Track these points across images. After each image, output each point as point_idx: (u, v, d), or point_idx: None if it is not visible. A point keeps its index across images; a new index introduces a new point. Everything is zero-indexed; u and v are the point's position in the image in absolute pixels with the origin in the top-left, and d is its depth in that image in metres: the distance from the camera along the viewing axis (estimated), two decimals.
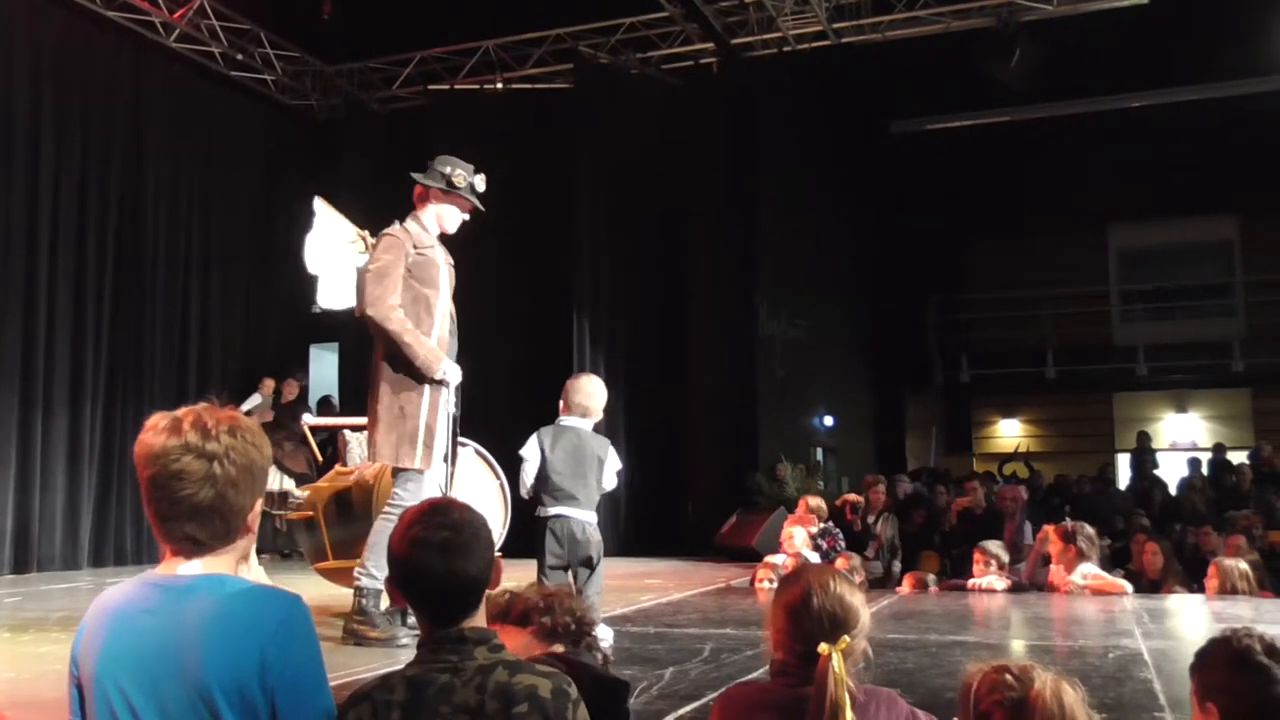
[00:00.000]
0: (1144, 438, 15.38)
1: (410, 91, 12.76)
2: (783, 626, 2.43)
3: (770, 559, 7.68)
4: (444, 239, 5.08)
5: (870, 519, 9.75)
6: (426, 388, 4.84)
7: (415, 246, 4.87)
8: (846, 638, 2.33)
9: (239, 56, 11.77)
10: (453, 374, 4.91)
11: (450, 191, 5.00)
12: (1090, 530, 6.71)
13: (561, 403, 4.93)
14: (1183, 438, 18.03)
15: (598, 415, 4.97)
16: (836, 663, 2.28)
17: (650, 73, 12.15)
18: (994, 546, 7.13)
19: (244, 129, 12.12)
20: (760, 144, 12.27)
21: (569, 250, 11.69)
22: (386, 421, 4.78)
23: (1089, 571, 6.49)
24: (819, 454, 14.15)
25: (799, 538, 7.61)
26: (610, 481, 4.89)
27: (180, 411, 2.09)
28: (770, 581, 7.05)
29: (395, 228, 4.91)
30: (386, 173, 12.50)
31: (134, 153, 10.55)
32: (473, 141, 11.91)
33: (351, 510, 5.84)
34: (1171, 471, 14.43)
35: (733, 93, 12.05)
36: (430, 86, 12.57)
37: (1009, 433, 19.17)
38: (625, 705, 2.59)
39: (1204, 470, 13.82)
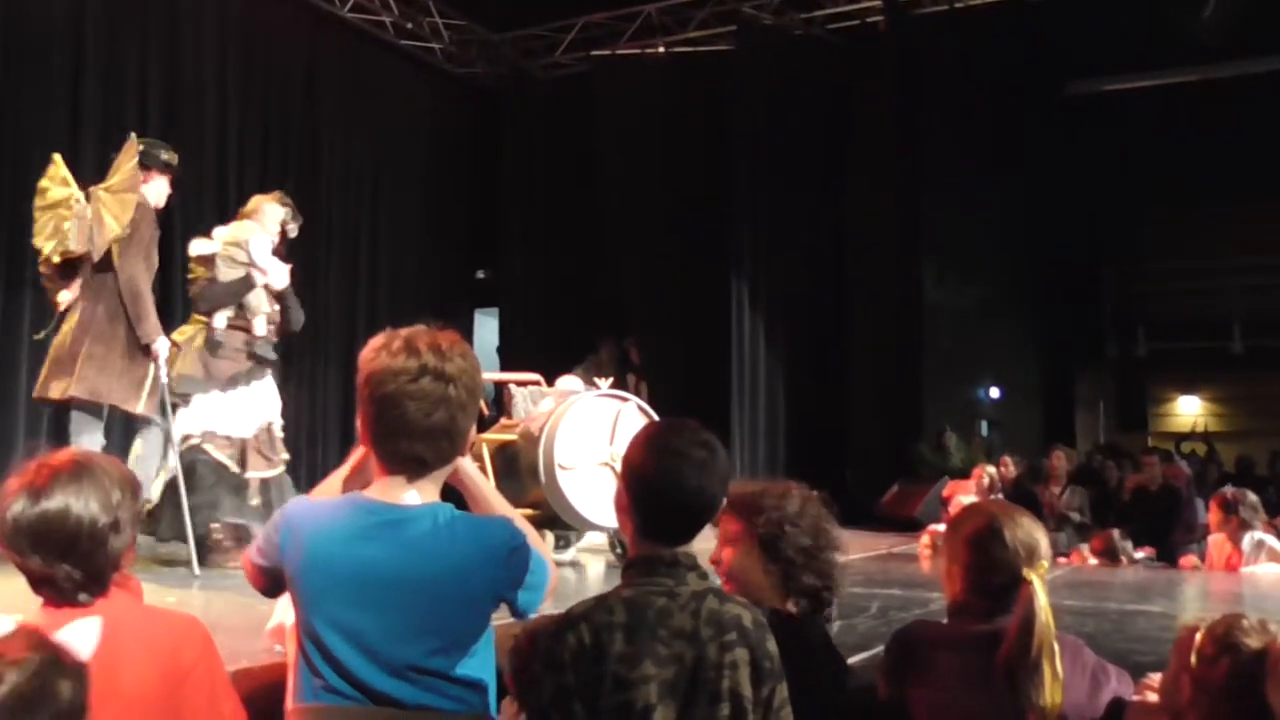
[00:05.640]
0: None
1: (573, 58, 12.81)
2: (967, 561, 2.35)
3: (935, 527, 7.55)
4: None
5: (1056, 490, 9.52)
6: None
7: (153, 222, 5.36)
8: (1044, 562, 2.28)
9: (409, 25, 12.03)
10: (162, 348, 5.27)
11: (167, 170, 5.50)
12: (1254, 498, 6.30)
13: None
14: None
15: None
16: (1040, 588, 2.22)
17: (814, 33, 11.88)
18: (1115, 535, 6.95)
19: (412, 99, 12.36)
20: (926, 104, 11.90)
21: (729, 215, 11.59)
22: (120, 367, 5.14)
23: (1258, 538, 6.10)
24: (984, 426, 13.76)
25: (967, 502, 7.44)
26: None
27: (405, 332, 2.08)
28: (935, 549, 6.93)
29: (144, 198, 5.28)
30: (551, 140, 12.70)
31: (309, 125, 10.95)
32: (635, 106, 11.99)
33: (517, 462, 5.96)
34: None
35: (899, 52, 11.66)
36: (593, 53, 12.60)
37: (1188, 410, 18.24)
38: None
39: None
